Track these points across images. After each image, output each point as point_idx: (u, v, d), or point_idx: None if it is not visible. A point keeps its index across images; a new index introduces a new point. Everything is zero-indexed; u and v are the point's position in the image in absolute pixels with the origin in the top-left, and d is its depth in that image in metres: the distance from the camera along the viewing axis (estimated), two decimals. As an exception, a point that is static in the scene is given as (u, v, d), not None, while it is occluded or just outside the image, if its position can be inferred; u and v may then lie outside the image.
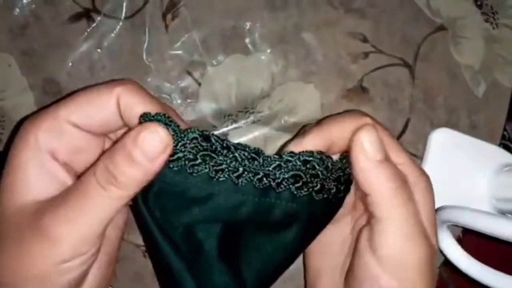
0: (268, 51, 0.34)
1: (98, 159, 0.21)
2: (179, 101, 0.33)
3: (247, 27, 0.33)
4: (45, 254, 0.20)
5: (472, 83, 0.36)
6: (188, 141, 0.21)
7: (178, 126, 0.21)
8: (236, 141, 0.33)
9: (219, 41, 0.33)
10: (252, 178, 0.22)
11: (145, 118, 0.21)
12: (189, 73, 0.33)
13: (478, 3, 0.37)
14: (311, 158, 0.23)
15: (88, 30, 0.32)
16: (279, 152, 0.24)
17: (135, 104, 0.22)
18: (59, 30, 0.32)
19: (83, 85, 0.32)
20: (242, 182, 0.22)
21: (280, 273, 0.26)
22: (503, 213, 0.33)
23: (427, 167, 0.33)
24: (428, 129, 0.35)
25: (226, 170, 0.21)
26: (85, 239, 0.20)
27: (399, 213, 0.22)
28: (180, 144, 0.21)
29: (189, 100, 0.33)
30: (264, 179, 0.22)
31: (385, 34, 0.35)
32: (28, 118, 0.23)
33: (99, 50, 0.33)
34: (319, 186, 0.23)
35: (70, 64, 0.32)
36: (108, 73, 0.33)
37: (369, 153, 0.22)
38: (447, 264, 0.32)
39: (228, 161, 0.22)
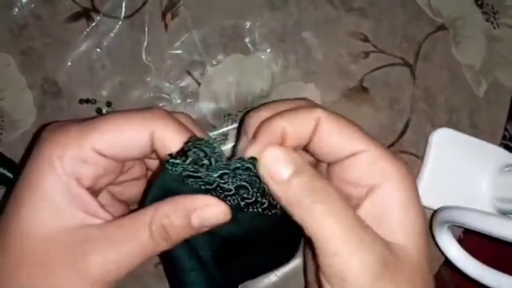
0: (268, 50, 0.33)
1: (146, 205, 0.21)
2: (178, 101, 0.33)
3: (247, 27, 0.33)
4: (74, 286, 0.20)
5: (473, 83, 0.36)
6: (230, 172, 0.22)
7: (220, 155, 0.22)
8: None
9: (219, 41, 0.33)
10: (274, 211, 0.23)
11: (192, 142, 0.22)
12: (189, 73, 0.33)
13: (479, 2, 0.36)
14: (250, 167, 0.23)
15: (87, 29, 0.32)
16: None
17: (170, 140, 0.22)
18: (58, 30, 0.32)
19: (82, 84, 0.32)
20: (268, 213, 0.23)
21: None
22: (504, 213, 0.33)
23: (428, 167, 0.33)
24: (429, 129, 0.34)
25: (255, 202, 0.22)
26: (116, 277, 0.21)
27: (326, 229, 0.20)
28: (219, 173, 0.22)
29: (188, 100, 0.33)
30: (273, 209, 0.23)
31: (386, 34, 0.35)
32: (49, 135, 0.22)
33: (98, 49, 0.32)
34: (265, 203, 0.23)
35: (69, 63, 0.32)
36: (107, 72, 0.32)
37: (274, 174, 0.21)
38: (448, 264, 0.32)
39: (259, 194, 0.22)
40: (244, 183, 0.21)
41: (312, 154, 0.24)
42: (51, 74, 0.32)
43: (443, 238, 0.31)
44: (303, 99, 0.26)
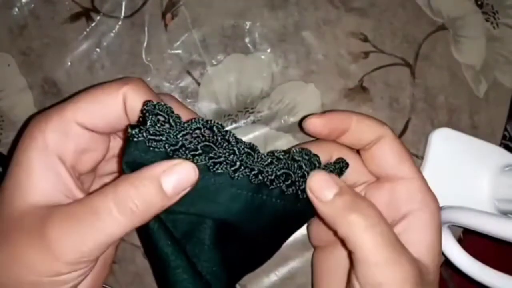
0: (268, 50, 0.33)
1: (113, 181, 0.21)
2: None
3: (247, 27, 0.33)
4: (42, 264, 0.20)
5: (473, 83, 0.36)
6: (191, 131, 0.21)
7: (179, 117, 0.21)
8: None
9: (218, 41, 0.33)
10: (248, 173, 0.22)
11: (147, 106, 0.21)
12: (189, 73, 0.33)
13: (479, 2, 0.36)
14: (299, 158, 0.24)
15: (87, 29, 0.32)
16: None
17: (141, 103, 0.22)
18: (58, 30, 0.32)
19: (82, 84, 0.32)
20: (238, 176, 0.22)
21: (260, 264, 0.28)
22: (504, 213, 0.33)
23: (428, 167, 0.33)
24: (429, 129, 0.34)
25: (224, 163, 0.22)
26: (86, 257, 0.20)
27: (367, 241, 0.22)
28: (181, 133, 0.21)
29: (188, 100, 0.33)
30: (260, 175, 0.23)
31: (386, 34, 0.35)
32: (34, 117, 0.22)
33: (98, 49, 0.32)
34: (303, 185, 0.24)
35: (69, 63, 0.32)
36: (107, 72, 0.32)
37: (319, 196, 0.24)
38: (448, 264, 0.32)
39: (227, 154, 0.22)
40: (208, 143, 0.21)
41: (363, 161, 0.27)
42: (51, 74, 0.32)
43: (443, 238, 0.31)
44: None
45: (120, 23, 0.32)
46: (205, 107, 0.33)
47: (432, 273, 0.24)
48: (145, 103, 0.21)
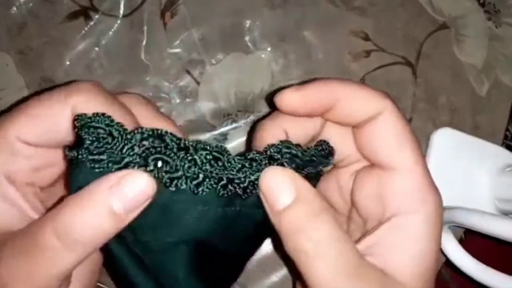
0: (268, 49, 0.33)
1: (58, 202, 0.18)
2: (177, 101, 0.33)
3: (247, 25, 0.33)
4: None
5: (475, 82, 0.35)
6: (136, 143, 0.18)
7: (123, 126, 0.18)
8: (235, 141, 0.33)
9: (218, 40, 0.33)
10: (215, 185, 0.19)
11: (80, 121, 0.18)
12: (188, 72, 0.33)
13: (481, 1, 0.36)
14: (278, 156, 0.20)
15: (86, 28, 0.32)
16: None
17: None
18: (56, 29, 0.32)
19: (80, 84, 0.32)
20: (203, 191, 0.19)
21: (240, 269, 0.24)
22: (505, 213, 0.33)
23: (429, 167, 0.33)
24: (431, 128, 0.34)
25: (183, 177, 0.18)
26: None
27: (319, 270, 0.18)
28: (126, 147, 0.18)
29: (188, 100, 0.33)
30: (229, 185, 0.19)
31: (387, 33, 0.34)
32: None
33: (96, 48, 0.32)
34: None
35: (68, 63, 0.32)
36: (105, 71, 0.32)
37: (270, 203, 0.19)
38: (449, 264, 0.32)
39: (186, 165, 0.18)
40: (160, 155, 0.18)
41: (355, 137, 0.22)
42: (49, 74, 0.32)
43: (444, 238, 0.31)
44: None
45: (118, 22, 0.32)
46: (205, 107, 0.33)
47: None
48: (76, 118, 0.18)
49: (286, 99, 0.20)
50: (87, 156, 0.17)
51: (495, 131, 0.35)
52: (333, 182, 0.24)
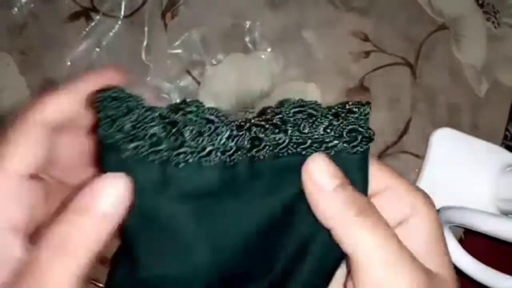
0: (268, 50, 0.33)
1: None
2: (178, 101, 0.33)
3: (247, 26, 0.33)
4: None
5: (474, 83, 0.36)
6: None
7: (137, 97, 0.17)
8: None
9: (218, 40, 0.33)
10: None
11: (101, 97, 0.17)
12: (189, 73, 0.33)
13: (480, 2, 0.36)
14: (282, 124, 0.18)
15: (87, 29, 0.32)
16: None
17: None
18: (57, 29, 0.32)
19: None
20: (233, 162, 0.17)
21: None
22: (505, 213, 0.33)
23: (429, 167, 0.33)
24: (430, 129, 0.34)
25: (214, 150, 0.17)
26: None
27: (368, 242, 0.19)
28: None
29: (188, 100, 0.33)
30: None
31: (387, 33, 0.34)
32: None
33: (97, 49, 0.32)
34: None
35: (69, 63, 0.32)
36: (107, 72, 0.32)
37: (319, 183, 0.19)
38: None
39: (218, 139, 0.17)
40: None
41: None
42: (51, 74, 0.32)
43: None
44: None
45: (119, 22, 0.32)
46: (205, 107, 0.33)
47: (451, 285, 0.20)
48: (97, 94, 0.17)
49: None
50: (147, 149, 0.16)
51: (494, 131, 0.35)
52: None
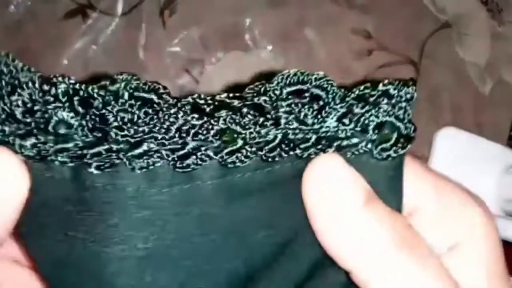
0: (269, 48, 0.33)
1: None
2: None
3: (247, 24, 0.33)
4: None
5: (478, 81, 0.35)
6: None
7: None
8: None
9: (218, 38, 0.33)
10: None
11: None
12: (187, 71, 0.33)
13: (483, 0, 0.36)
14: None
15: (84, 26, 0.32)
16: None
17: None
18: (54, 27, 0.32)
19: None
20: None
21: None
22: (509, 214, 0.33)
23: (433, 167, 0.33)
24: (433, 128, 0.34)
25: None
26: None
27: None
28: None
29: (187, 99, 0.33)
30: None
31: (389, 31, 0.34)
32: None
33: (94, 47, 0.32)
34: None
35: (66, 61, 0.32)
36: (103, 70, 0.32)
37: (334, 201, 0.13)
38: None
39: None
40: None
41: None
42: (47, 72, 0.32)
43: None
44: None
45: (117, 20, 0.32)
46: (204, 106, 0.32)
47: None
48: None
49: None
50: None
51: (498, 130, 0.35)
52: None
